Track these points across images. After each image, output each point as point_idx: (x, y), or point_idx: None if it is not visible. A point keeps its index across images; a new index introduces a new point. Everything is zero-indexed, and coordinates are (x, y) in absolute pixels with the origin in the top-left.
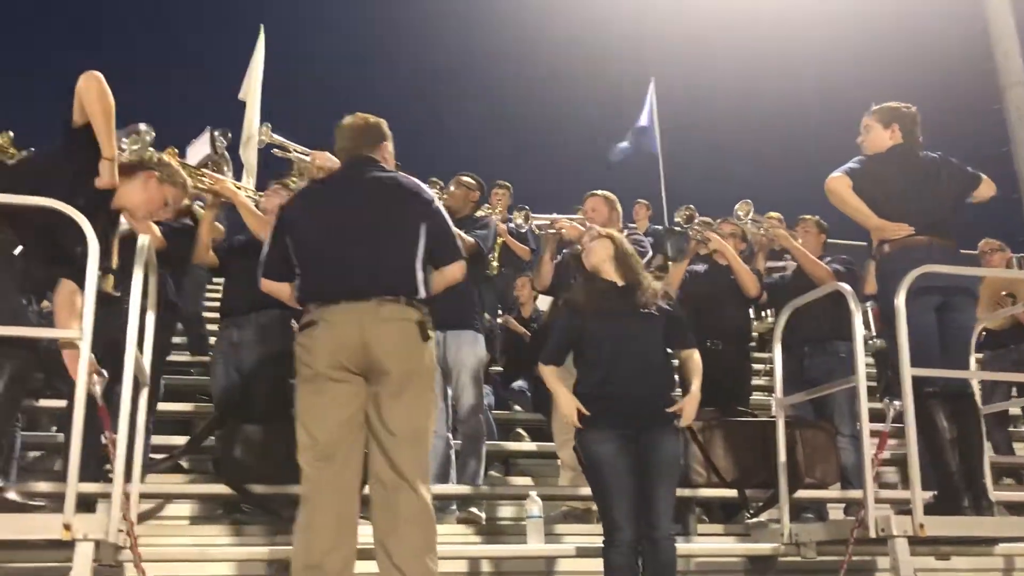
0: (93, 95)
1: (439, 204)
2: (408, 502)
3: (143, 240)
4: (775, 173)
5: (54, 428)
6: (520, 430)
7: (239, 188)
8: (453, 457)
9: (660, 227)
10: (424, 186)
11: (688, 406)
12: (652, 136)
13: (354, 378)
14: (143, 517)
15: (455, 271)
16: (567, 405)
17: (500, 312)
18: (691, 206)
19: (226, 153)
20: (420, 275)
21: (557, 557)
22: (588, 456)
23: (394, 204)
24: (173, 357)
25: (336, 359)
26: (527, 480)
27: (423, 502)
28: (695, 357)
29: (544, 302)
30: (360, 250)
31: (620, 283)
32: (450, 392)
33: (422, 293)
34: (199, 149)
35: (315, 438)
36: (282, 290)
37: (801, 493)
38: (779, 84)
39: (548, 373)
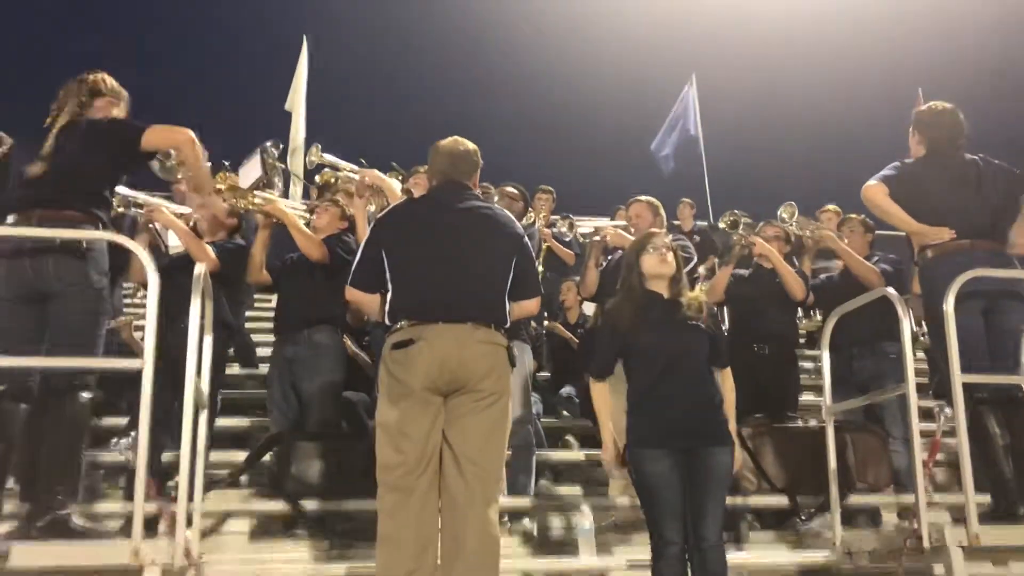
0: (197, 160)
1: (527, 240)
2: (478, 521)
3: (200, 268)
4: (819, 169)
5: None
6: (569, 437)
7: (290, 208)
8: (504, 468)
9: (706, 223)
10: (515, 220)
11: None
12: (697, 136)
13: (438, 399)
14: (203, 534)
15: (532, 305)
16: (608, 450)
17: (546, 317)
18: (735, 211)
19: (278, 165)
20: (507, 305)
21: (609, 571)
22: (640, 472)
23: (491, 235)
24: (228, 371)
25: (432, 378)
26: (577, 489)
27: (492, 523)
28: (729, 376)
29: (590, 307)
30: (459, 275)
31: (666, 295)
32: None
33: (508, 322)
34: (251, 171)
35: (405, 455)
36: (369, 302)
37: (854, 499)
38: (823, 80)
39: (598, 395)
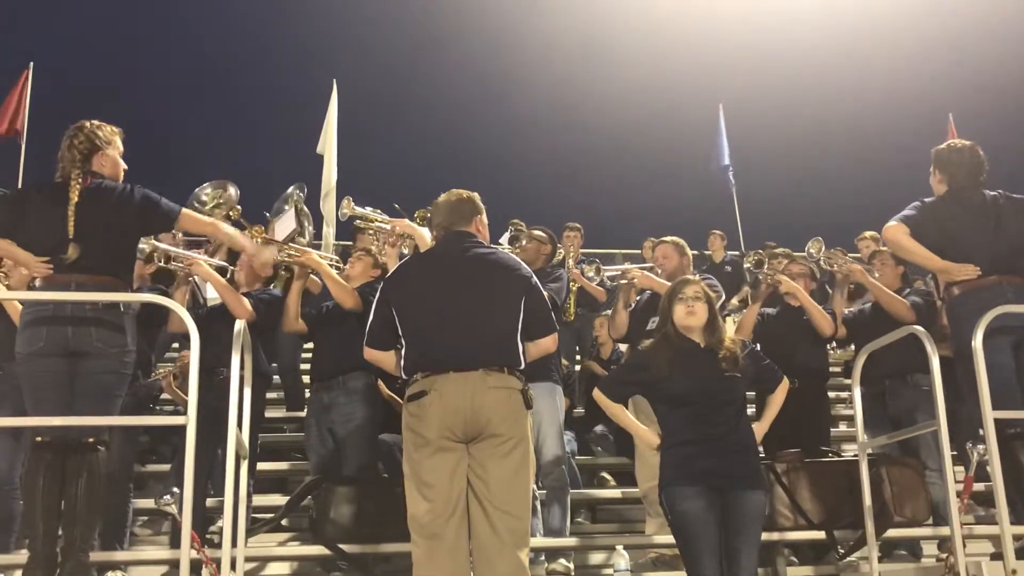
0: (230, 238)
1: (535, 279)
2: (508, 566)
3: (239, 324)
4: (850, 196)
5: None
6: (604, 474)
7: (323, 259)
8: (539, 508)
9: (737, 253)
10: (521, 262)
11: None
12: (727, 165)
13: (460, 446)
14: None
15: (549, 343)
16: (647, 433)
17: (578, 353)
18: (760, 251)
19: (306, 208)
20: (520, 347)
21: None
22: (675, 512)
23: (496, 279)
24: (267, 413)
25: (447, 427)
26: (614, 526)
27: (523, 567)
28: (782, 388)
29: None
30: (466, 323)
31: (701, 344)
32: (532, 443)
33: (522, 364)
34: (285, 224)
35: (431, 502)
36: (386, 359)
37: (891, 532)
38: (852, 106)
39: (618, 410)
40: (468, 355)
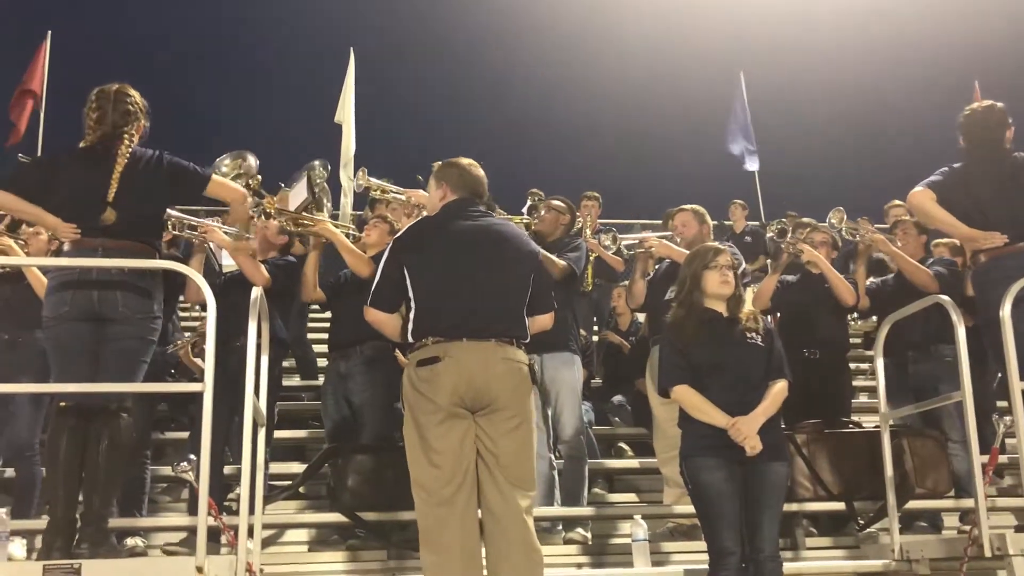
0: (244, 216)
1: (541, 256)
2: (520, 532)
3: (256, 292)
4: (873, 165)
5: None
6: (622, 444)
7: (338, 227)
8: (556, 478)
9: (758, 223)
10: (528, 237)
11: (744, 423)
12: (747, 135)
13: (468, 414)
14: (263, 544)
15: (547, 320)
16: (724, 419)
17: (596, 324)
18: (784, 220)
19: (326, 186)
20: (527, 321)
21: None
22: (696, 483)
23: (509, 252)
24: (284, 382)
25: (458, 395)
26: (631, 496)
27: (533, 533)
28: (782, 387)
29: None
30: (480, 292)
31: (724, 314)
32: (550, 413)
33: (528, 338)
34: (298, 193)
35: (440, 468)
36: (387, 323)
37: (913, 503)
38: (875, 73)
39: (686, 396)
40: (481, 324)
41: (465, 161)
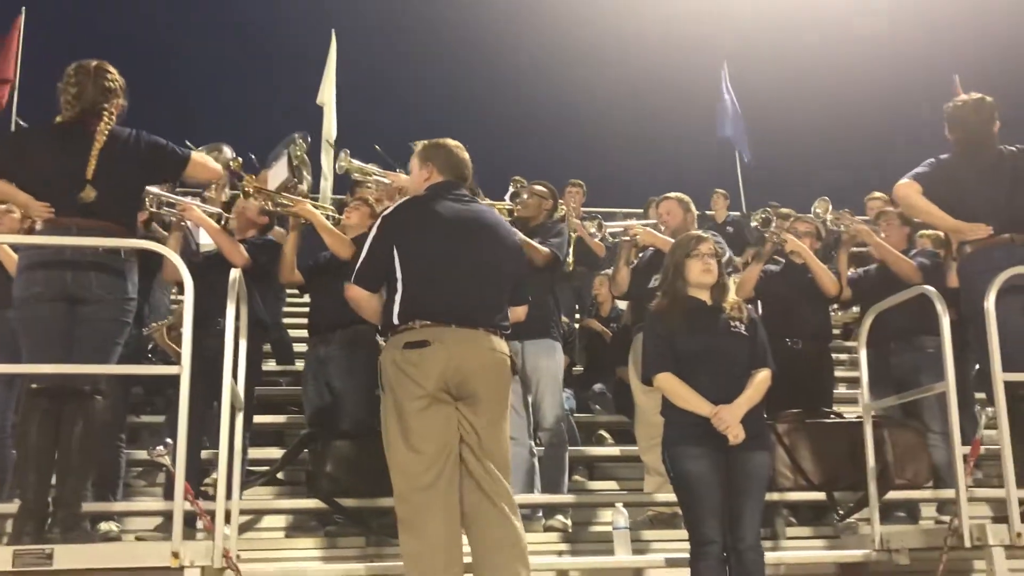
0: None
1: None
2: (507, 516)
3: (235, 273)
4: (854, 157)
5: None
6: (603, 432)
7: (317, 208)
8: (537, 465)
9: (739, 214)
10: (513, 229)
11: (726, 412)
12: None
13: (452, 400)
14: (240, 530)
15: (522, 312)
16: (707, 407)
17: (577, 311)
18: (767, 209)
19: (306, 158)
20: (507, 312)
21: (645, 569)
22: (678, 471)
23: (498, 240)
24: (263, 366)
25: (445, 380)
26: (611, 484)
27: (513, 521)
28: (765, 376)
29: (624, 302)
30: (471, 279)
31: (708, 302)
32: (530, 400)
33: (509, 329)
34: (278, 173)
35: (422, 453)
36: (368, 302)
37: (892, 494)
38: (857, 66)
39: (668, 383)
40: (470, 312)
41: (451, 142)
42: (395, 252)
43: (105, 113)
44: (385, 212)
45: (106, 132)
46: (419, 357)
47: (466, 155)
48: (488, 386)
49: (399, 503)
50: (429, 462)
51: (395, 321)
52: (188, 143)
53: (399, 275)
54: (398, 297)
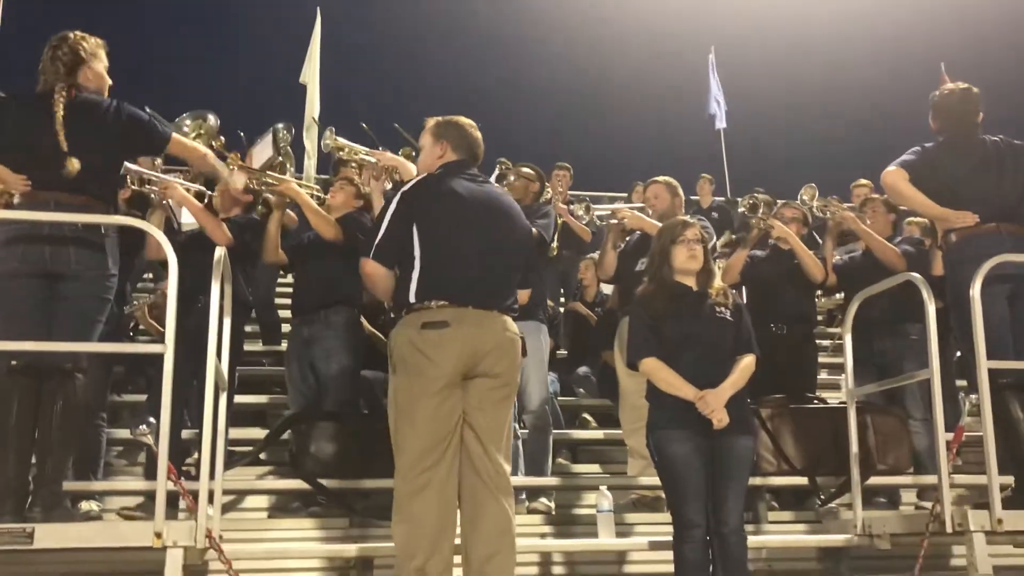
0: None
1: None
2: (495, 506)
3: (220, 252)
4: (840, 144)
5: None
6: (586, 415)
7: (303, 187)
8: (520, 448)
9: (723, 199)
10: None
11: (711, 396)
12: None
13: (461, 383)
14: (222, 511)
15: (525, 296)
16: (692, 392)
17: (562, 294)
18: (755, 195)
19: (290, 150)
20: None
21: (629, 551)
22: (663, 455)
23: (516, 226)
24: (245, 347)
25: (463, 363)
26: (595, 467)
27: (505, 507)
28: (749, 361)
29: (609, 285)
30: (489, 261)
31: (694, 288)
32: None
33: (518, 312)
34: (263, 151)
35: (426, 439)
36: (384, 279)
37: (873, 480)
38: (844, 53)
39: (654, 368)
40: (487, 293)
41: (465, 121)
42: (415, 229)
43: (59, 85)
44: (404, 188)
45: (61, 104)
46: (438, 338)
47: (479, 135)
48: (501, 366)
49: (398, 483)
50: (432, 446)
51: (412, 299)
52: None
53: (417, 252)
54: (415, 275)
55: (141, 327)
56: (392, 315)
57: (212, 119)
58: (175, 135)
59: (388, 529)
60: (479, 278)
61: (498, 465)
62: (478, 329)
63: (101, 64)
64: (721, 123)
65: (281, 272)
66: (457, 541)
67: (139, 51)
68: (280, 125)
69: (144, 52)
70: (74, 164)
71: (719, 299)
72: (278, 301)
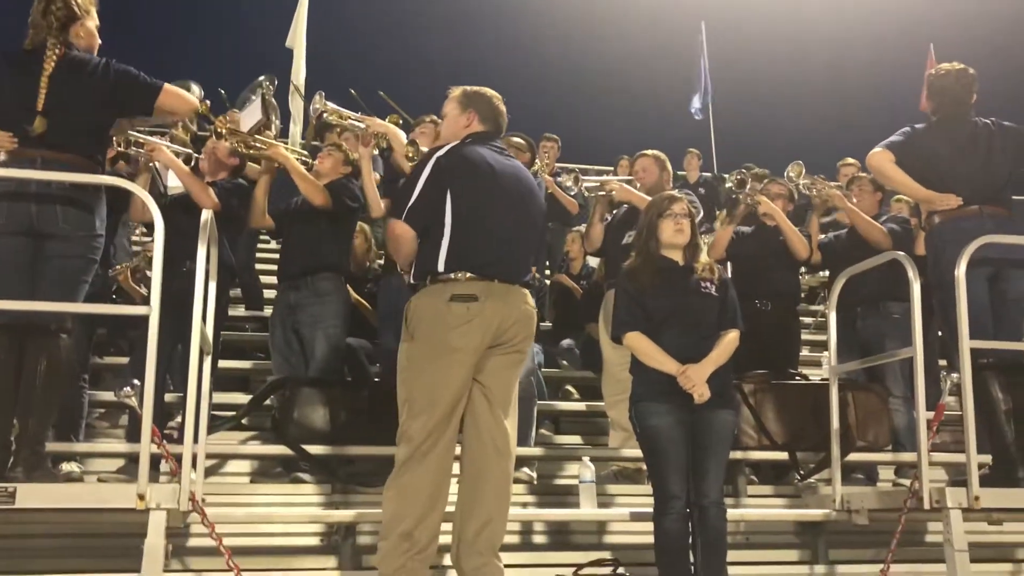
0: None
1: None
2: (499, 473)
3: (206, 215)
4: (828, 121)
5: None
6: (569, 387)
7: (291, 152)
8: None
9: (710, 174)
10: None
11: (693, 371)
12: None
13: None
14: (205, 474)
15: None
16: (675, 366)
17: (548, 267)
18: (743, 171)
19: (274, 102)
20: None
21: (610, 522)
22: (644, 427)
23: (534, 200)
24: (229, 312)
25: (489, 337)
26: (576, 438)
27: (508, 470)
28: (733, 337)
29: (594, 258)
30: (516, 234)
31: (680, 263)
32: None
33: (532, 286)
34: (251, 115)
35: (444, 406)
36: (410, 243)
37: (853, 456)
38: (834, 32)
39: (637, 342)
40: (515, 267)
41: (492, 92)
42: (448, 196)
43: (52, 41)
44: (439, 154)
45: (52, 61)
46: (467, 312)
47: (504, 107)
48: (519, 337)
49: (405, 446)
50: (448, 413)
51: (440, 268)
52: None
53: (448, 220)
54: (445, 243)
55: (123, 290)
56: (413, 281)
57: (196, 88)
58: (166, 85)
59: (371, 495)
60: (505, 251)
61: (503, 427)
62: (503, 304)
63: (93, 22)
64: (699, 115)
65: (260, 237)
66: (449, 509)
67: (121, 11)
68: (263, 79)
69: (125, 13)
70: (41, 123)
71: (705, 274)
72: (259, 267)
